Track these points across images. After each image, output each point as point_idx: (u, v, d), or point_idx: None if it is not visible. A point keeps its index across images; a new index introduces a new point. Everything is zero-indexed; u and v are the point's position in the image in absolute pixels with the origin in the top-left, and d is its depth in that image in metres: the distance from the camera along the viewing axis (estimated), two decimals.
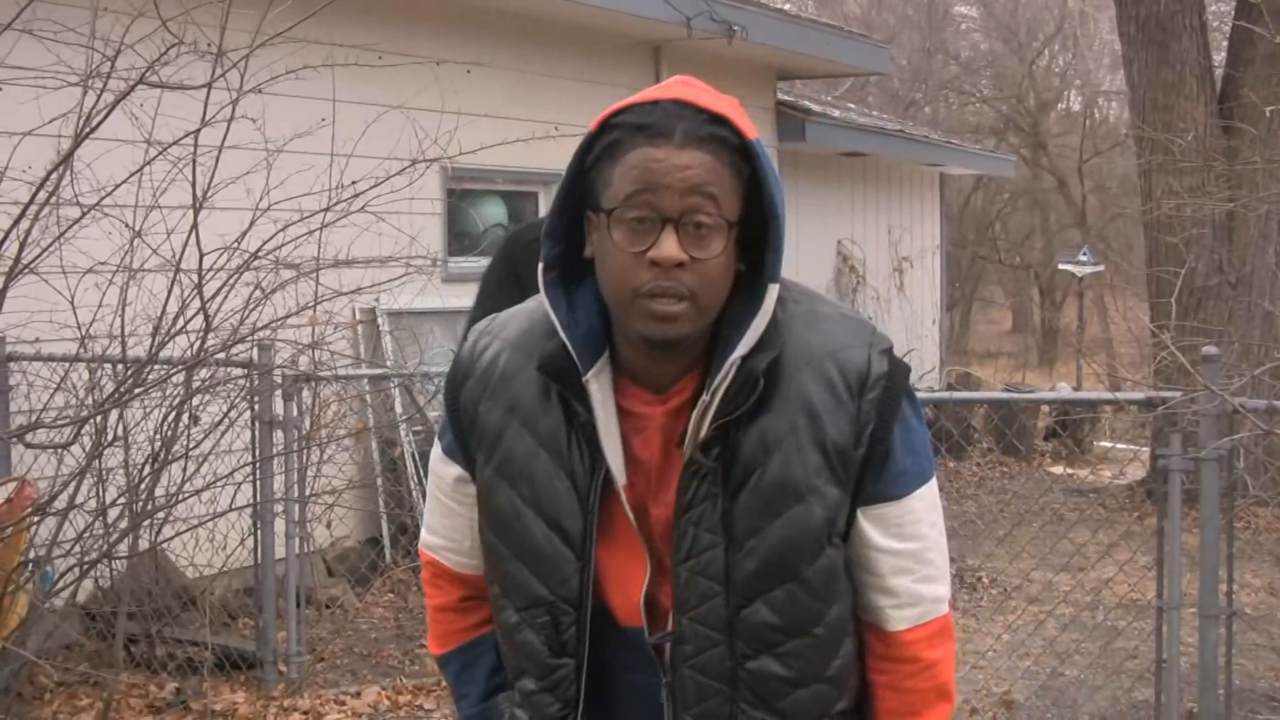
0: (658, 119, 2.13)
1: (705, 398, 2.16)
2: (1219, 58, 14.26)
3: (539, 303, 2.27)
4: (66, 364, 6.74)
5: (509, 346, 2.33)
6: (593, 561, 2.24)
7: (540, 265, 2.24)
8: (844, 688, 2.29)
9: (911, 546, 2.28)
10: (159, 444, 6.39)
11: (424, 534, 2.53)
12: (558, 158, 9.83)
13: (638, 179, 2.11)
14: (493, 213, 11.20)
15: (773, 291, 2.17)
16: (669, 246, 2.09)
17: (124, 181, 5.98)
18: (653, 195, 2.10)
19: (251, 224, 6.17)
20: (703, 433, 2.16)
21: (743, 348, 2.15)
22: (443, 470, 2.45)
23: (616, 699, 2.33)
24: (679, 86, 2.18)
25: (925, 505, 2.29)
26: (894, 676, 2.30)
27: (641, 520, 2.24)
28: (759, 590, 2.18)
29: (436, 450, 2.46)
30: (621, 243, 2.12)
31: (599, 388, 2.21)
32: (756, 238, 2.19)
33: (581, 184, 2.21)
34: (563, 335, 2.21)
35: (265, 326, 6.44)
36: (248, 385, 6.90)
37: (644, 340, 2.15)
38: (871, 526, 2.24)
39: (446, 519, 2.47)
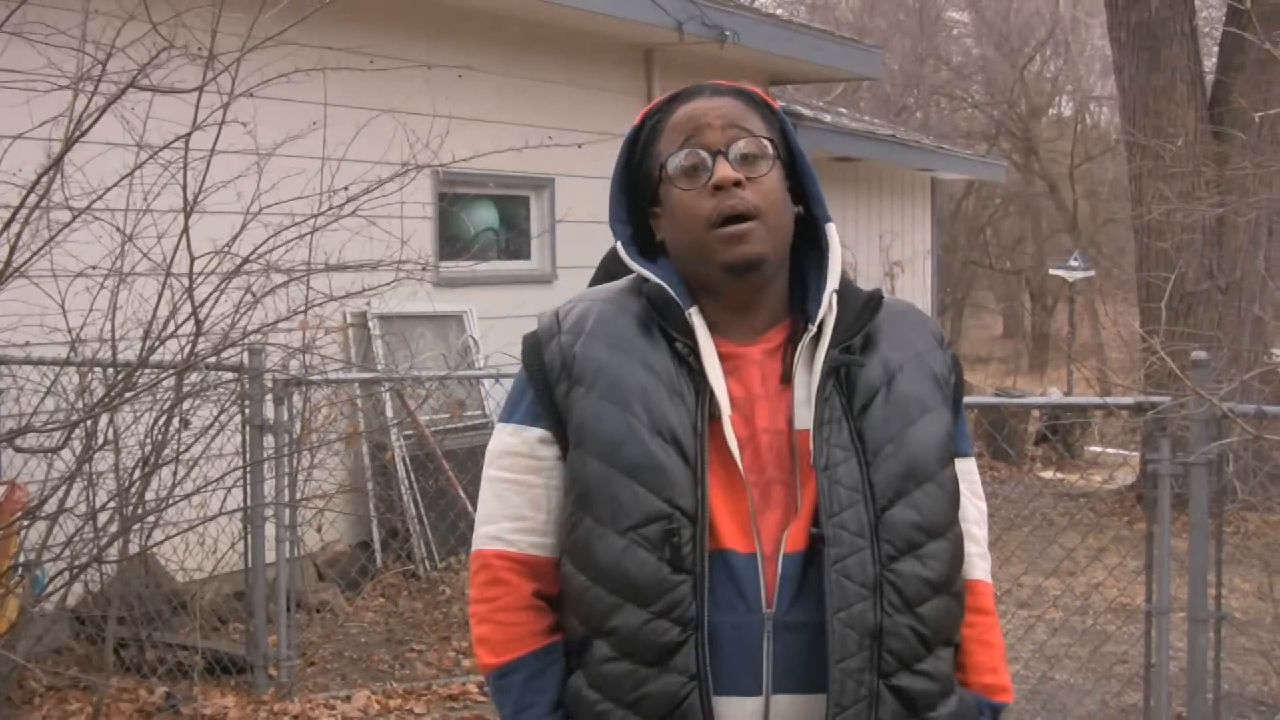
0: (686, 89, 2.45)
1: (812, 328, 2.36)
2: (1210, 63, 14.28)
3: (617, 282, 2.47)
4: (57, 368, 6.73)
5: (599, 303, 2.44)
6: (707, 478, 2.28)
7: (618, 244, 2.47)
8: (960, 614, 2.42)
9: (981, 505, 2.56)
10: (149, 448, 6.38)
11: (484, 531, 2.44)
12: (549, 162, 9.88)
13: (682, 130, 2.38)
14: (484, 217, 11.20)
15: (831, 229, 2.44)
16: (724, 169, 2.33)
17: (115, 185, 5.97)
18: (698, 137, 2.36)
19: (242, 228, 6.17)
20: (821, 356, 2.34)
21: (833, 280, 2.39)
22: (515, 442, 2.43)
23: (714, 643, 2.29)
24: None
25: (978, 474, 2.58)
26: (979, 629, 2.48)
27: (741, 451, 2.32)
28: (900, 492, 2.32)
29: (502, 434, 2.46)
30: (684, 185, 2.36)
31: (700, 323, 2.36)
32: (800, 195, 2.46)
33: (637, 178, 2.47)
34: (658, 281, 2.39)
35: (256, 330, 6.44)
36: (238, 389, 6.90)
37: (726, 269, 2.33)
38: (958, 474, 2.46)
39: (518, 496, 2.42)
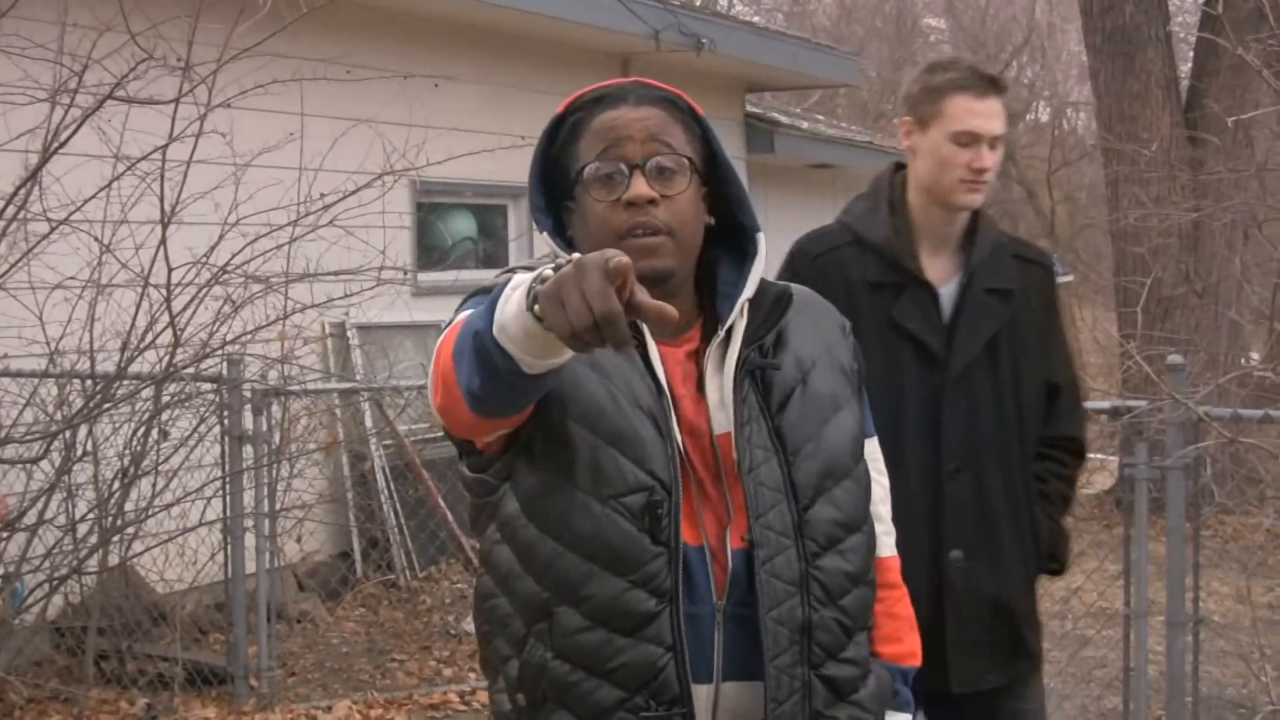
0: (613, 90, 2.44)
1: (720, 333, 2.40)
2: (1184, 69, 14.34)
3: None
4: (35, 379, 6.72)
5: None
6: (680, 451, 2.33)
7: (544, 234, 2.45)
8: (874, 600, 2.51)
9: (885, 483, 2.66)
10: (128, 459, 6.38)
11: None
12: (526, 171, 9.80)
13: (602, 138, 2.38)
14: (462, 226, 11.20)
15: (760, 239, 2.47)
16: (639, 186, 2.34)
17: (92, 197, 5.98)
18: (618, 148, 2.36)
19: (220, 238, 6.17)
20: (733, 359, 2.39)
21: (749, 289, 2.43)
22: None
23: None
24: (632, 79, 2.51)
25: (879, 451, 2.66)
26: (887, 603, 2.59)
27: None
28: (820, 490, 2.40)
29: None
30: (598, 195, 2.36)
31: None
32: (722, 201, 2.49)
33: (554, 171, 2.46)
34: None
35: (234, 340, 6.44)
36: (217, 400, 6.90)
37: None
38: (865, 457, 2.54)
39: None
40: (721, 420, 2.38)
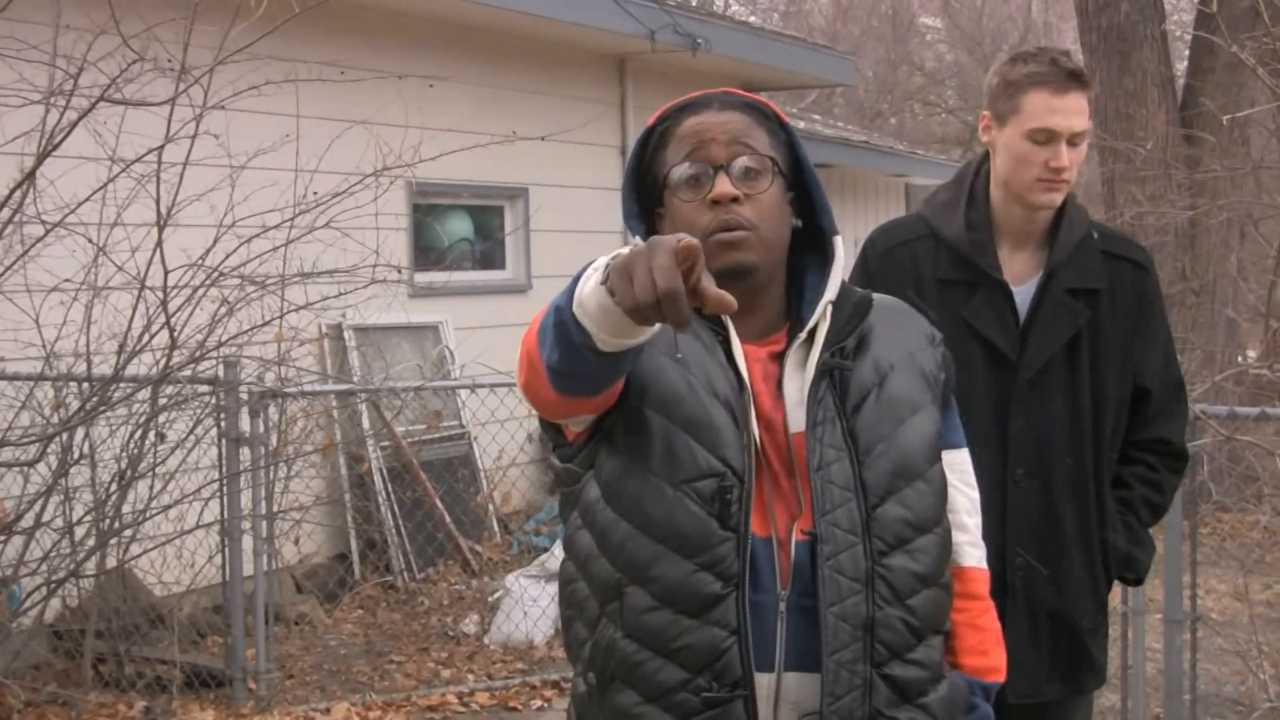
0: (699, 98, 2.52)
1: (802, 334, 2.45)
2: (1180, 67, 14.34)
3: None
4: (31, 382, 6.72)
5: None
6: (756, 441, 2.38)
7: (635, 239, 2.46)
8: (949, 604, 2.52)
9: (973, 495, 2.67)
10: (125, 462, 6.38)
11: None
12: (523, 171, 9.86)
13: (688, 141, 2.46)
14: (458, 227, 11.19)
15: (838, 242, 2.53)
16: (723, 184, 2.40)
17: (88, 199, 5.98)
18: (703, 150, 2.44)
19: (216, 240, 6.17)
20: (814, 361, 2.43)
21: (830, 292, 2.48)
22: None
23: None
24: (720, 89, 2.58)
25: (970, 464, 2.67)
26: (970, 614, 2.61)
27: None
28: (891, 489, 2.41)
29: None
30: (684, 196, 2.44)
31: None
32: (808, 207, 2.55)
33: (645, 180, 2.53)
34: None
35: (230, 340, 6.43)
36: (214, 402, 6.89)
37: (718, 274, 2.27)
38: (947, 466, 2.55)
39: None
40: (798, 419, 2.42)
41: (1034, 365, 3.49)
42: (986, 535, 3.12)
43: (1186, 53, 14.43)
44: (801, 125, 16.75)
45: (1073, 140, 3.44)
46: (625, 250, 1.99)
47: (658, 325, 2.01)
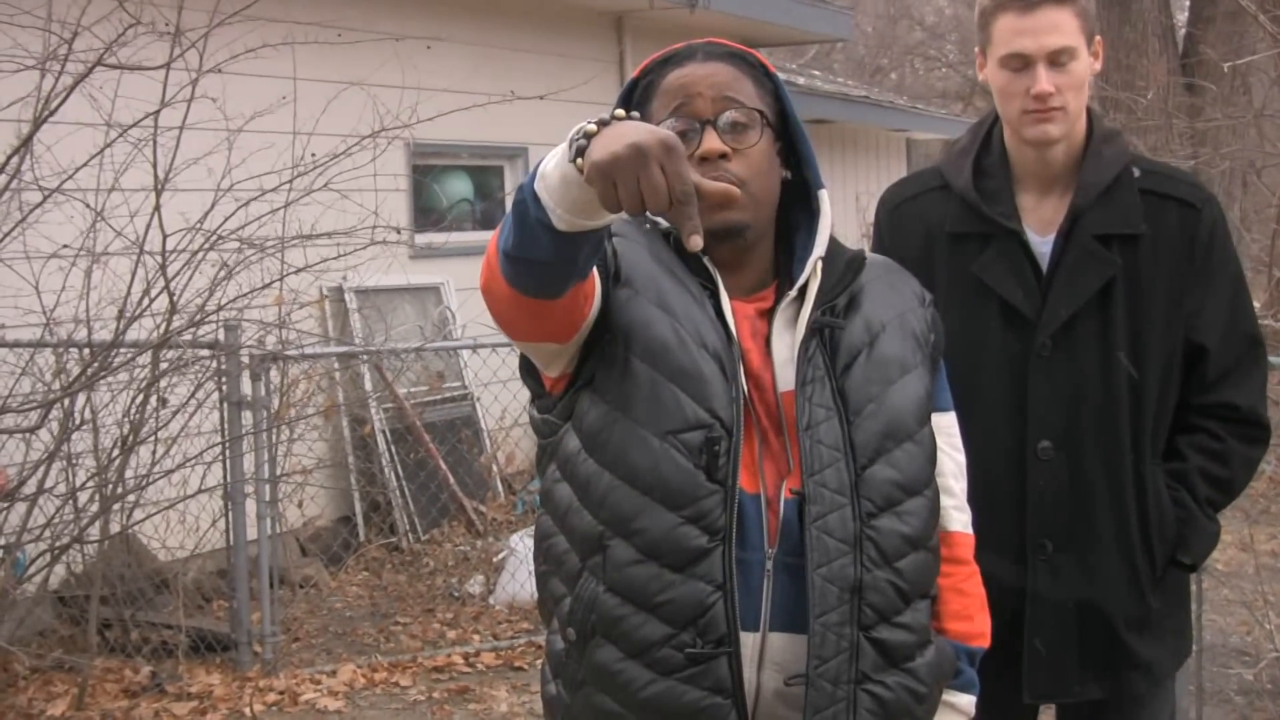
0: (681, 50, 2.47)
1: (792, 292, 2.42)
2: (1181, 17, 14.29)
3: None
4: (32, 349, 6.71)
5: (627, 226, 2.46)
6: (744, 395, 2.34)
7: None
8: (937, 567, 2.48)
9: (960, 459, 2.62)
10: (127, 427, 6.37)
11: None
12: (522, 131, 9.78)
13: (673, 96, 2.41)
14: (458, 188, 11.16)
15: (824, 196, 2.50)
16: (710, 140, 2.36)
17: (85, 164, 5.95)
18: (688, 105, 2.39)
19: (214, 204, 6.15)
20: (804, 319, 2.39)
21: (819, 248, 2.45)
22: None
23: None
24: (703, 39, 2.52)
25: (958, 427, 2.63)
26: (955, 579, 2.56)
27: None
28: (880, 450, 2.38)
29: None
30: None
31: (712, 267, 2.42)
32: (793, 156, 2.51)
33: None
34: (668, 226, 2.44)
35: (230, 304, 6.41)
36: (215, 366, 6.88)
37: (711, 233, 2.25)
38: (935, 429, 2.52)
39: None
40: (787, 377, 2.39)
41: (1055, 322, 3.08)
42: (999, 513, 2.98)
43: (1187, 2, 14.37)
44: (801, 81, 16.70)
45: (1055, 60, 3.02)
46: (589, 124, 1.99)
47: (622, 214, 1.97)
